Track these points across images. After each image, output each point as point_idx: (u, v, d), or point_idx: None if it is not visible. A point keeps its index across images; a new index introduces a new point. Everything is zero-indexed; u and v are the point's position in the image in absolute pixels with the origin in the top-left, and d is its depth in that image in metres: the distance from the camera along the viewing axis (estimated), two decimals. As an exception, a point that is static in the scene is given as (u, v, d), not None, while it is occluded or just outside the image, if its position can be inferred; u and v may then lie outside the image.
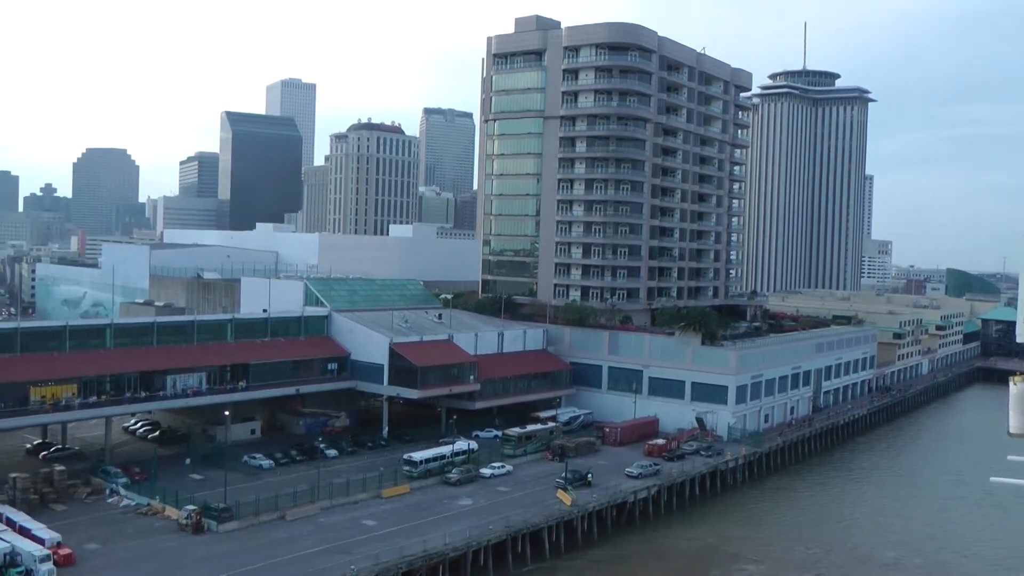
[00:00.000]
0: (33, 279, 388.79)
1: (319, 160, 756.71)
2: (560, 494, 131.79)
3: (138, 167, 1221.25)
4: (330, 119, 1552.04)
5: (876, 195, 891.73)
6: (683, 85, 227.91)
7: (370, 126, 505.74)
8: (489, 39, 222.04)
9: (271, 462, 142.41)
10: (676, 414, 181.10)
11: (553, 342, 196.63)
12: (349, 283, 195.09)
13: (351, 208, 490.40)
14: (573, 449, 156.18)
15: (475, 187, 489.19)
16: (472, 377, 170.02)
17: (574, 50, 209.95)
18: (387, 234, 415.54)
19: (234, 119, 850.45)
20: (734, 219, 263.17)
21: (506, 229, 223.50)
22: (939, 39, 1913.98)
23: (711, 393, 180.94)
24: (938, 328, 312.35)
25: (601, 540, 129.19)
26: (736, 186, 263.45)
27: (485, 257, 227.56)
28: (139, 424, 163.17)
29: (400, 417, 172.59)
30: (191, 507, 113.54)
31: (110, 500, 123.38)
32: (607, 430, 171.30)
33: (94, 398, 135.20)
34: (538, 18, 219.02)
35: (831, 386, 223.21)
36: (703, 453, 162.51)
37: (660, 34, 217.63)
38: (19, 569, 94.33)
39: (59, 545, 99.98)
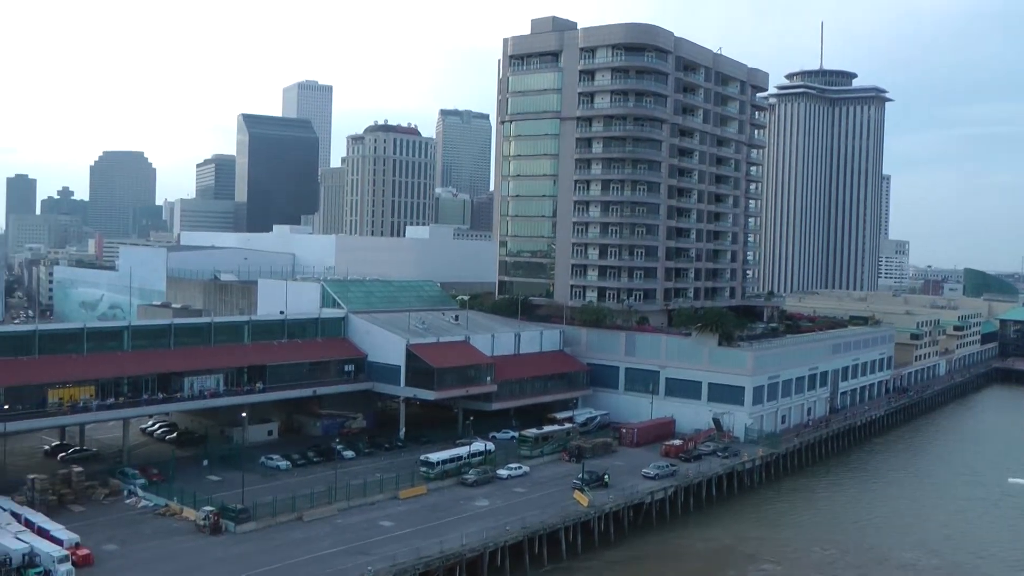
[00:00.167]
0: (51, 282, 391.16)
1: (336, 162, 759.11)
2: (577, 495, 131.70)
3: (155, 170, 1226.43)
4: (347, 121, 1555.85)
5: (893, 195, 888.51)
6: (699, 86, 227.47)
7: (386, 128, 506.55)
8: (505, 40, 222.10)
9: (288, 463, 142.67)
10: (693, 415, 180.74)
11: (570, 343, 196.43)
12: (366, 284, 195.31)
13: (368, 210, 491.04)
14: (590, 450, 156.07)
15: (491, 188, 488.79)
16: (489, 378, 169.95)
17: (590, 51, 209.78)
18: (404, 235, 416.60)
19: (251, 121, 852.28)
20: (751, 220, 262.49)
21: (523, 230, 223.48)
22: (957, 37, 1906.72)
23: (728, 394, 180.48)
24: (956, 329, 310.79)
25: (618, 541, 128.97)
26: (753, 187, 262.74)
27: (502, 258, 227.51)
28: (157, 426, 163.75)
29: (417, 418, 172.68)
30: (209, 508, 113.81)
31: (128, 501, 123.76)
32: (624, 431, 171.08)
33: (112, 400, 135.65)
34: (554, 19, 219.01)
35: (848, 387, 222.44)
36: (720, 454, 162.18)
37: (676, 35, 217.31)
38: (38, 570, 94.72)
39: (77, 546, 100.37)
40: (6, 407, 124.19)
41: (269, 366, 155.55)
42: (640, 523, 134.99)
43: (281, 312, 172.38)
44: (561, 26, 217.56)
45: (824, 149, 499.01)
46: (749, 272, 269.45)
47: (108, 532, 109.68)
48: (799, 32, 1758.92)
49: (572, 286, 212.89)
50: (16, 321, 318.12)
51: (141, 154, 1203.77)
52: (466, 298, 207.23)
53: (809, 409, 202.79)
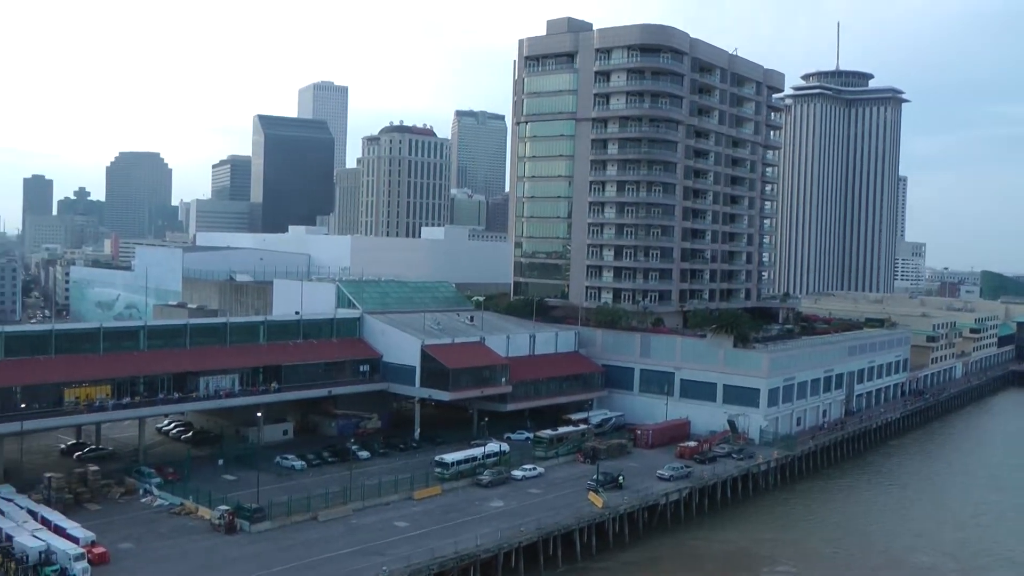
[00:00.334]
0: (67, 282, 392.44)
1: (351, 163, 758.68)
2: (591, 496, 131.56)
3: (171, 170, 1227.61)
4: (362, 122, 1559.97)
5: (910, 196, 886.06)
6: (715, 87, 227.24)
7: (402, 128, 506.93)
8: (521, 41, 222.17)
9: (303, 463, 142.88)
10: (708, 416, 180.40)
11: (585, 344, 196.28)
12: (381, 285, 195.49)
13: (383, 210, 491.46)
14: (605, 451, 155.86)
15: (507, 189, 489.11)
16: (504, 379, 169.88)
17: (606, 52, 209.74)
18: (419, 236, 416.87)
19: (266, 122, 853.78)
20: (766, 221, 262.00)
21: (538, 231, 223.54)
22: (975, 38, 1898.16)
23: (743, 396, 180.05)
24: (972, 331, 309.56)
25: (632, 542, 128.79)
26: (768, 188, 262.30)
27: (517, 259, 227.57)
28: (172, 425, 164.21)
29: (432, 419, 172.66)
30: (224, 507, 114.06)
31: (143, 500, 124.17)
32: (639, 432, 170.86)
33: (128, 399, 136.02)
34: (569, 20, 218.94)
35: (864, 389, 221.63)
36: (735, 456, 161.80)
37: (692, 35, 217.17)
38: (54, 567, 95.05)
39: (93, 544, 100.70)
40: (23, 406, 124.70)
41: (284, 366, 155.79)
42: (655, 524, 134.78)
43: (296, 312, 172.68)
44: (576, 27, 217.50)
45: (840, 150, 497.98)
46: (764, 274, 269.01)
47: (124, 531, 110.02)
48: (815, 33, 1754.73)
49: (587, 287, 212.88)
50: (33, 321, 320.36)
51: (157, 155, 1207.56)
52: (481, 299, 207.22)
53: (824, 411, 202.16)
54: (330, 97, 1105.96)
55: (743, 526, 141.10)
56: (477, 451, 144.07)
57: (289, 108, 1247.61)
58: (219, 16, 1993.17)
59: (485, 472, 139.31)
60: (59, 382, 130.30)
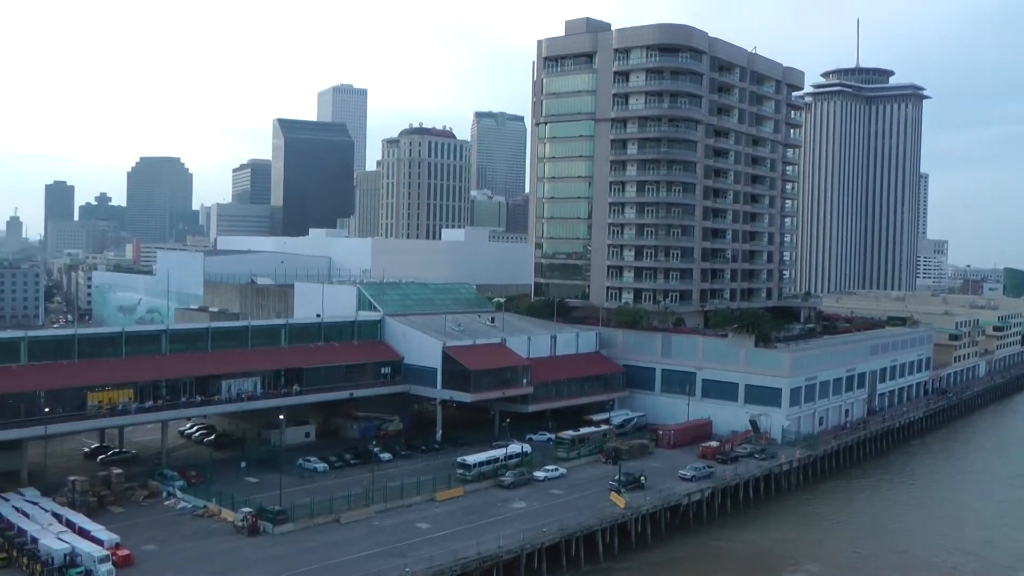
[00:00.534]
0: (89, 286, 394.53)
1: (371, 165, 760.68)
2: (613, 497, 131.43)
3: (191, 175, 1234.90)
4: (381, 124, 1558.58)
5: (932, 194, 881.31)
6: (734, 85, 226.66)
7: (421, 130, 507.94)
8: (539, 42, 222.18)
9: (325, 465, 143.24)
10: (729, 416, 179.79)
11: (606, 345, 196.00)
12: (402, 287, 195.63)
13: (403, 212, 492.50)
14: (626, 452, 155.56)
15: (527, 190, 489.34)
16: (525, 380, 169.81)
17: (624, 52, 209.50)
18: (439, 238, 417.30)
19: (286, 126, 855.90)
20: (787, 220, 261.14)
21: (558, 232, 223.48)
22: (997, 34, 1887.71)
23: (765, 395, 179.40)
24: (995, 329, 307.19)
25: (655, 543, 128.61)
26: (789, 186, 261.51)
27: (537, 260, 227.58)
28: (195, 428, 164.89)
29: (453, 420, 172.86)
30: (247, 509, 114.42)
31: (167, 502, 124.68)
32: (660, 432, 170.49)
33: (150, 402, 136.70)
34: (588, 20, 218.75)
35: (886, 388, 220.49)
36: (757, 456, 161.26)
37: (711, 34, 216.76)
38: (79, 569, 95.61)
39: (117, 546, 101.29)
40: (47, 410, 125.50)
41: (306, 369, 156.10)
42: (677, 525, 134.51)
43: (317, 315, 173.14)
44: (595, 27, 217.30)
45: (861, 148, 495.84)
46: (786, 273, 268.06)
47: (147, 533, 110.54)
48: (834, 30, 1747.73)
49: (608, 288, 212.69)
50: (55, 325, 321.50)
51: (178, 160, 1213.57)
52: (502, 300, 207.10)
53: (847, 411, 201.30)
54: (349, 100, 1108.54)
55: (765, 526, 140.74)
56: (499, 452, 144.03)
57: (308, 111, 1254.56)
58: (238, 21, 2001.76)
59: (507, 473, 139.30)
60: (82, 386, 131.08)
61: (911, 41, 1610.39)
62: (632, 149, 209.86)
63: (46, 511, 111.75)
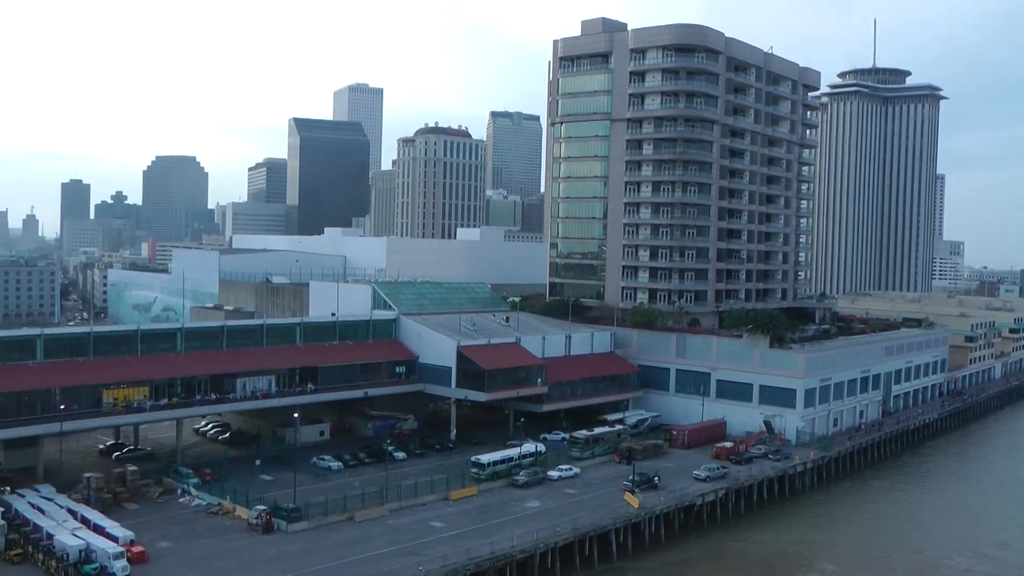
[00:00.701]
0: (105, 285, 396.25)
1: (386, 164, 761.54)
2: (627, 496, 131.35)
3: (207, 174, 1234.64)
4: (397, 123, 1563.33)
5: (948, 195, 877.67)
6: (750, 86, 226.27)
7: (437, 130, 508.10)
8: (555, 42, 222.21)
9: (340, 464, 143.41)
10: (744, 417, 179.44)
11: (621, 345, 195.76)
12: (417, 286, 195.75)
13: (418, 212, 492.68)
14: (640, 452, 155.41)
15: (542, 190, 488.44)
16: (539, 380, 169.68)
17: (640, 52, 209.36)
18: (454, 237, 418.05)
19: (302, 125, 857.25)
20: (802, 220, 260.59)
21: (573, 232, 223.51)
22: (1015, 34, 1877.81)
23: (779, 396, 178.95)
24: (1012, 331, 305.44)
25: (668, 543, 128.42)
26: (804, 187, 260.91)
27: (552, 260, 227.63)
28: (209, 426, 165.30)
29: (467, 420, 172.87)
30: (261, 507, 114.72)
31: (181, 500, 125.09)
32: (675, 433, 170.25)
33: (165, 400, 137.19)
34: (604, 20, 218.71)
35: (901, 390, 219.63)
36: (771, 457, 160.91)
37: (727, 34, 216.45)
38: (94, 566, 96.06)
39: (132, 543, 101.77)
40: (62, 407, 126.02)
41: (321, 367, 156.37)
42: (691, 525, 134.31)
43: (332, 314, 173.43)
44: (611, 27, 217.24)
45: (877, 148, 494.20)
46: (801, 273, 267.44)
47: (162, 530, 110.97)
48: (851, 31, 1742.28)
49: (623, 288, 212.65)
50: (71, 323, 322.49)
51: (193, 158, 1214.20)
52: (517, 300, 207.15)
53: (861, 412, 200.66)
54: (365, 99, 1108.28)
55: (779, 527, 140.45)
56: (513, 452, 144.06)
57: (324, 110, 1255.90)
58: (254, 20, 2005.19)
59: (521, 473, 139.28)
60: (98, 384, 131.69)
61: (928, 41, 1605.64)
62: (648, 149, 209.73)
63: (61, 507, 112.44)
